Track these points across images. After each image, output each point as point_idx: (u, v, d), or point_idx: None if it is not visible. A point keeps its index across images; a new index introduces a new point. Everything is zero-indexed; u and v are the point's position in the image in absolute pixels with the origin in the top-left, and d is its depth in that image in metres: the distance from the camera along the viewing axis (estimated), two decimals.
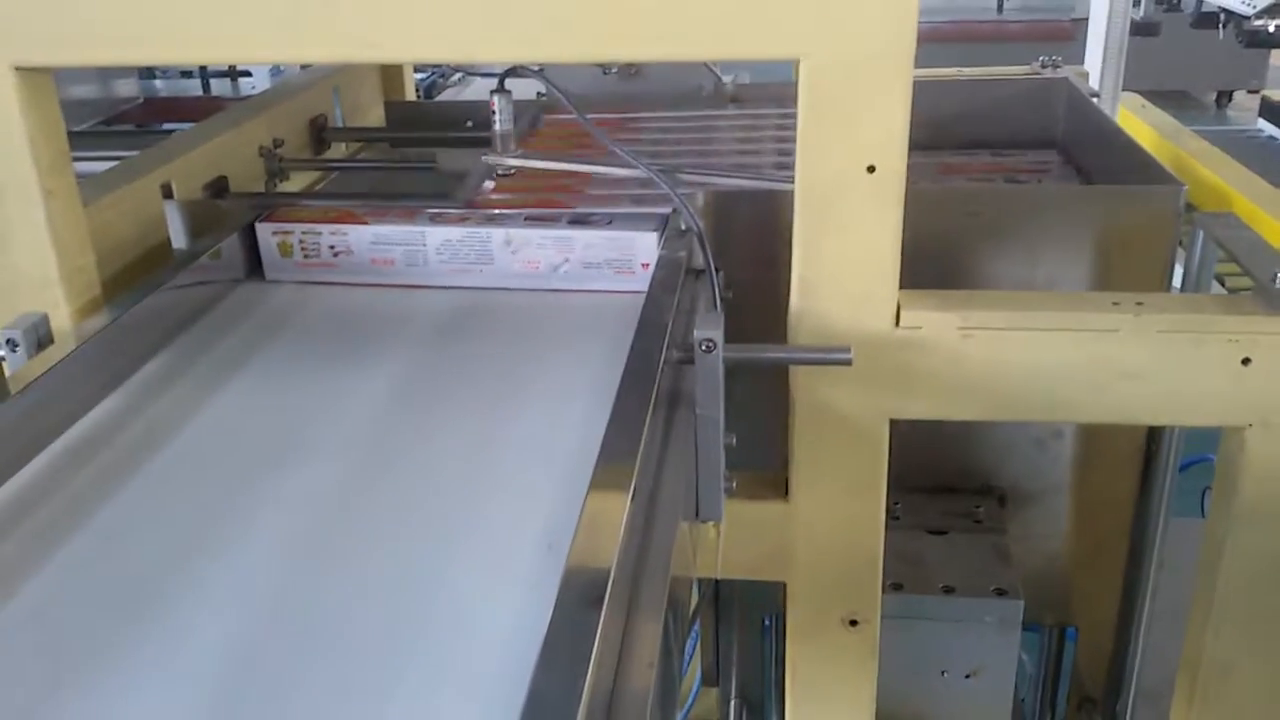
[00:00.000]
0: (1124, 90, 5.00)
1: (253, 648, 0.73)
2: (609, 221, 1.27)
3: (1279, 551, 1.12)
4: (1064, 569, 1.53)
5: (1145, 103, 4.69)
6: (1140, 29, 4.11)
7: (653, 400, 0.90)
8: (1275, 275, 1.06)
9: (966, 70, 2.00)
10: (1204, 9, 4.52)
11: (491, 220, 1.29)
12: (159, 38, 1.06)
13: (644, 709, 0.67)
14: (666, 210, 1.26)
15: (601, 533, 0.73)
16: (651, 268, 1.22)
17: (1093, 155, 1.67)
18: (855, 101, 1.00)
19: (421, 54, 1.05)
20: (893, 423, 1.15)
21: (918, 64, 0.99)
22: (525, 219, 1.29)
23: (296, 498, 0.89)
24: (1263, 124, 4.97)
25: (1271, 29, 3.94)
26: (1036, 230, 1.38)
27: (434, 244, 1.28)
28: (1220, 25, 4.41)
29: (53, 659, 0.73)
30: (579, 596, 0.66)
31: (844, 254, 1.05)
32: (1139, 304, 1.07)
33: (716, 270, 1.20)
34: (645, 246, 1.25)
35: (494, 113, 1.33)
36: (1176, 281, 1.35)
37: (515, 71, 1.33)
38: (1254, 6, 3.93)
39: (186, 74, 7.35)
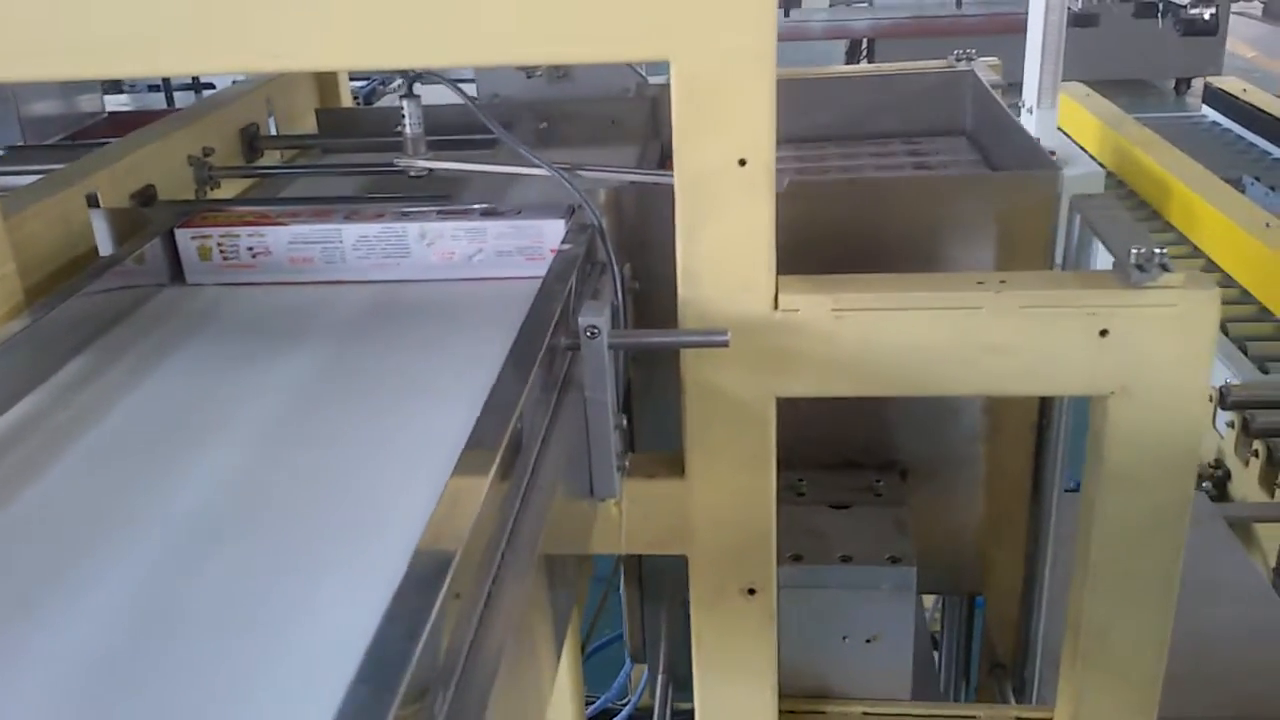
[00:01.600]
0: (1081, 81, 5.11)
1: (152, 599, 0.80)
2: (518, 212, 1.34)
3: (1144, 514, 1.19)
4: (970, 540, 1.59)
5: (1090, 91, 4.80)
6: (1079, 20, 4.20)
7: (529, 384, 0.95)
8: (1130, 251, 1.12)
9: (884, 66, 2.07)
10: (1144, 0, 4.61)
11: (405, 216, 1.34)
12: (71, 52, 1.10)
13: (491, 678, 0.73)
14: (571, 201, 1.32)
15: (458, 512, 0.77)
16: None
17: (992, 142, 1.74)
18: (724, 100, 1.06)
19: (308, 63, 1.10)
20: (796, 403, 1.21)
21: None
22: (438, 213, 1.35)
23: (202, 477, 0.95)
24: (1206, 110, 5.09)
25: (1206, 17, 4.04)
26: (932, 216, 1.45)
27: (350, 240, 1.34)
28: (1160, 15, 4.51)
29: None
30: (426, 572, 0.71)
31: (722, 243, 1.12)
32: (1002, 282, 1.14)
33: (623, 263, 1.27)
34: (553, 233, 1.31)
35: (403, 117, 1.39)
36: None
37: (423, 78, 1.39)
38: None
39: (153, 88, 7.38)
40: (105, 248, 1.39)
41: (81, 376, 1.16)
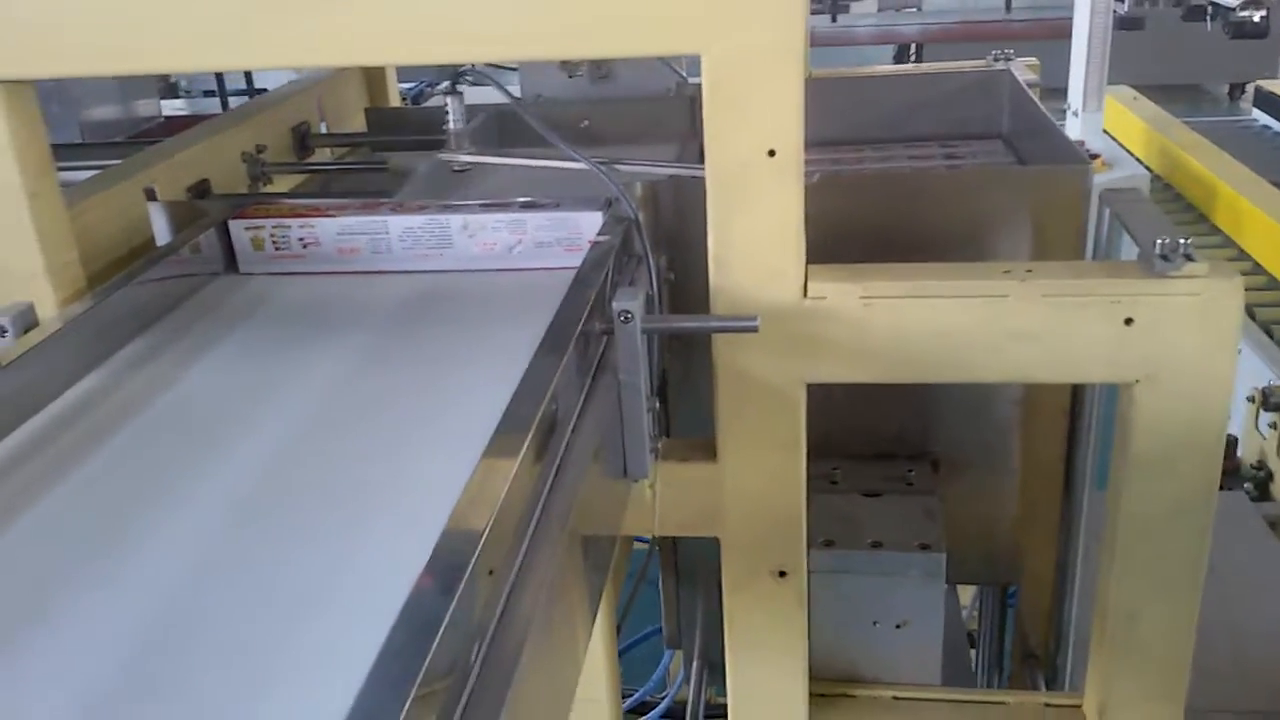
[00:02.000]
0: (1132, 85, 5.08)
1: (199, 570, 0.84)
2: (557, 205, 1.38)
3: (1171, 499, 1.20)
4: (1004, 530, 1.61)
5: (1136, 95, 4.78)
6: (1125, 23, 4.18)
7: (563, 365, 0.99)
8: (1155, 242, 1.14)
9: (920, 65, 2.09)
10: (1193, 2, 4.58)
11: (448, 208, 1.39)
12: (132, 50, 1.16)
13: (519, 651, 0.76)
14: (604, 196, 1.36)
15: (488, 488, 0.80)
16: None
17: (1028, 144, 1.75)
18: (753, 92, 1.09)
19: (354, 58, 1.15)
20: (831, 394, 1.24)
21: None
22: (480, 206, 1.39)
23: (248, 456, 1.00)
24: (1257, 114, 5.04)
25: (1256, 19, 4.01)
26: (965, 210, 1.47)
27: (396, 232, 1.38)
28: (1209, 18, 4.47)
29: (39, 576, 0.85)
30: (455, 547, 0.74)
31: (752, 232, 1.15)
32: (1028, 271, 1.16)
33: (658, 255, 1.30)
34: (591, 224, 1.35)
35: (447, 114, 1.43)
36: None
37: (464, 75, 1.44)
38: None
39: (209, 93, 7.54)
40: (162, 238, 1.45)
41: (139, 358, 1.21)
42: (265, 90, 6.10)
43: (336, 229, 1.40)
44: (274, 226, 1.41)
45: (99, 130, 5.30)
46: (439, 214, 1.38)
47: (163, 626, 0.79)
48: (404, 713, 0.60)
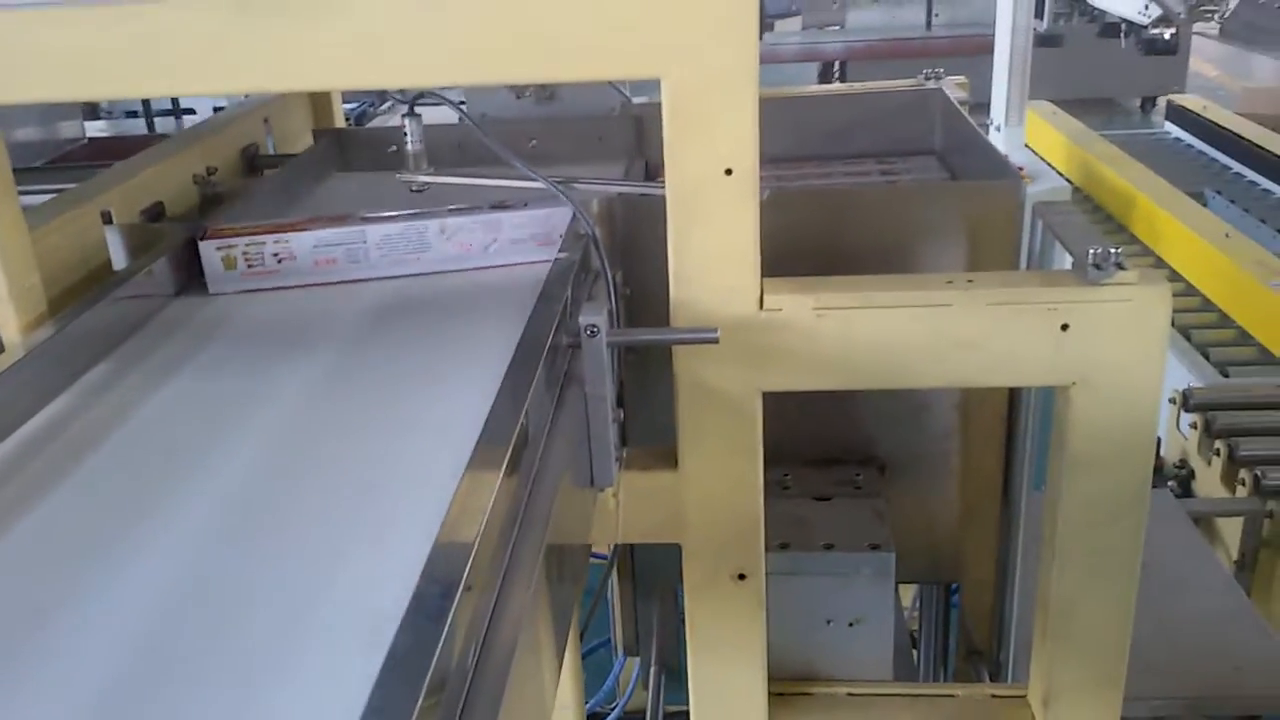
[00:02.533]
0: (1050, 100, 5.24)
1: (186, 586, 0.86)
2: (525, 204, 1.44)
3: (1105, 496, 1.27)
4: (946, 531, 1.68)
5: (1056, 109, 4.94)
6: (1045, 40, 4.32)
7: (534, 382, 1.03)
8: (1088, 251, 1.21)
9: (855, 85, 2.16)
10: (1107, 20, 4.74)
11: (423, 214, 1.43)
12: (91, 76, 1.18)
13: (509, 661, 0.79)
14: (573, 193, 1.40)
15: (472, 505, 0.83)
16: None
17: (959, 159, 1.83)
18: (711, 114, 1.14)
19: (316, 83, 1.18)
20: (782, 403, 1.29)
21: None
22: (449, 210, 1.43)
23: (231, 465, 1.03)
24: (1170, 126, 5.24)
25: (1166, 37, 4.16)
26: (905, 224, 1.54)
27: (374, 240, 1.42)
28: (1123, 35, 4.64)
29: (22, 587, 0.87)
30: (445, 566, 0.77)
31: (710, 247, 1.20)
32: (969, 281, 1.23)
33: (615, 270, 1.35)
34: (562, 219, 1.43)
35: (405, 135, 1.47)
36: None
37: (423, 97, 1.47)
38: (1148, 17, 4.15)
39: (131, 114, 7.42)
40: (119, 261, 1.47)
41: (105, 381, 1.22)
42: (192, 112, 6.04)
43: (313, 242, 1.42)
44: (247, 244, 1.41)
45: (21, 151, 5.19)
46: (415, 220, 1.42)
47: (142, 650, 0.80)
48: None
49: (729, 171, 1.16)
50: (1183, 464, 2.66)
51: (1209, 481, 2.55)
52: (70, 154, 5.72)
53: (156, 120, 6.82)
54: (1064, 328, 1.21)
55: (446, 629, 0.71)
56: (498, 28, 1.12)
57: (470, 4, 1.11)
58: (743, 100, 1.13)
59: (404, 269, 1.43)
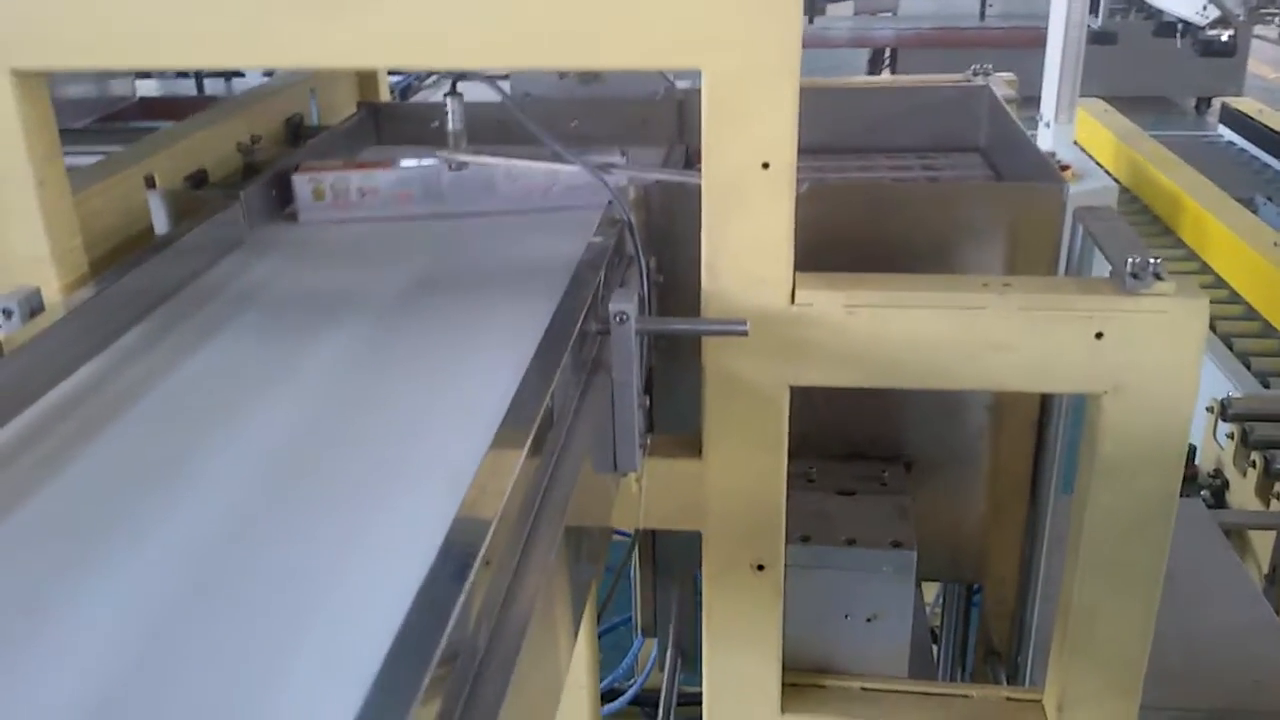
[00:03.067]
0: (1103, 98, 5.18)
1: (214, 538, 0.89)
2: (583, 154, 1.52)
3: (1133, 504, 1.26)
4: (971, 531, 1.67)
5: (1108, 107, 4.87)
6: (1098, 37, 4.27)
7: (561, 366, 1.03)
8: (1126, 260, 1.20)
9: (901, 78, 2.14)
10: (1164, 19, 4.68)
11: (492, 158, 1.52)
12: (145, 44, 1.19)
13: (519, 639, 0.80)
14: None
15: (493, 486, 0.85)
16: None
17: (1004, 158, 1.81)
18: (750, 106, 1.14)
19: (368, 61, 1.19)
20: (810, 397, 1.29)
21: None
22: (520, 155, 1.52)
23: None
24: (1223, 130, 5.16)
25: (1224, 38, 4.10)
26: (944, 222, 1.53)
27: (448, 180, 1.55)
28: (1178, 35, 4.57)
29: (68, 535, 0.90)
30: (463, 544, 0.78)
31: (744, 240, 1.20)
32: (1005, 285, 1.22)
33: (649, 257, 1.35)
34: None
35: (447, 114, 1.47)
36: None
37: (466, 76, 1.47)
38: (1207, 18, 4.09)
39: (182, 74, 7.49)
40: (160, 226, 1.48)
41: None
42: (240, 74, 6.08)
43: (394, 178, 1.55)
44: (335, 179, 1.57)
45: (73, 109, 5.26)
46: (486, 163, 1.54)
47: (167, 607, 0.82)
48: (420, 693, 0.64)
49: (766, 165, 1.16)
50: (1217, 474, 2.63)
51: (1243, 493, 2.52)
52: (120, 112, 5.79)
53: (206, 82, 6.88)
54: (1098, 336, 1.20)
55: (460, 602, 0.72)
56: (540, 14, 1.12)
57: None
58: (782, 95, 1.13)
59: (474, 206, 1.55)
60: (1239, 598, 2.06)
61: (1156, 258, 1.19)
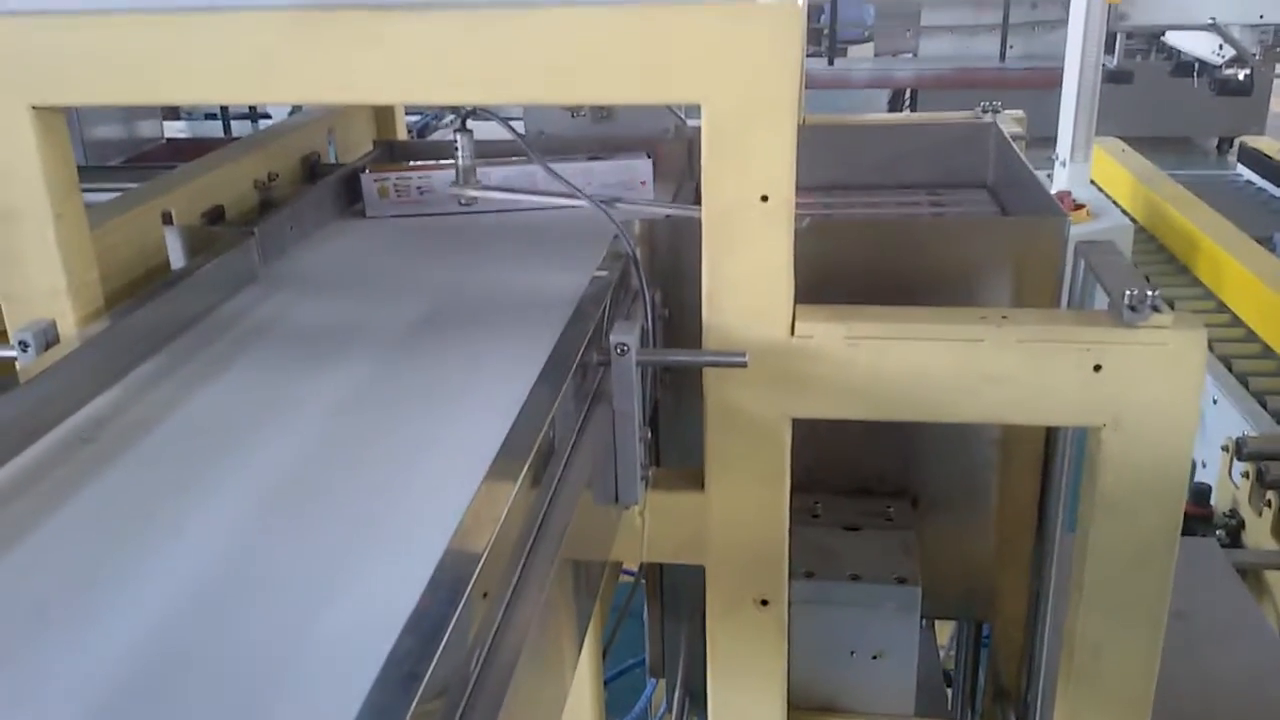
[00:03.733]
0: (1122, 138, 5.18)
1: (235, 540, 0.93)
2: (614, 155, 1.81)
3: (1136, 538, 1.26)
4: (980, 569, 1.66)
5: (1125, 147, 4.88)
6: (1114, 76, 4.28)
7: (561, 394, 1.05)
8: (1124, 293, 1.20)
9: (911, 115, 2.16)
10: (1181, 59, 4.69)
11: (534, 159, 1.56)
12: (160, 80, 1.23)
13: (511, 669, 0.80)
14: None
15: (487, 513, 0.85)
16: (649, 184, 1.80)
17: (1011, 194, 1.83)
18: (749, 141, 1.16)
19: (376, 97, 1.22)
20: (816, 431, 1.30)
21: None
22: (553, 159, 1.59)
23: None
24: (1241, 169, 5.15)
25: (1240, 77, 4.11)
26: (947, 257, 1.54)
27: (496, 179, 1.68)
28: (1195, 75, 4.58)
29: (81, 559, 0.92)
30: (453, 572, 0.78)
31: (744, 272, 1.21)
32: (1004, 318, 1.22)
33: (654, 290, 1.37)
34: (645, 169, 1.80)
35: (457, 149, 1.50)
36: None
37: (476, 114, 1.50)
38: (1222, 57, 4.10)
39: (210, 116, 7.61)
40: (177, 261, 1.51)
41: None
42: (268, 116, 6.16)
43: (449, 177, 1.63)
44: (398, 178, 1.79)
45: (101, 149, 5.33)
46: (527, 165, 1.68)
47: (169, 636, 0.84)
48: None
49: (765, 198, 1.18)
50: (1233, 513, 2.61)
51: (1259, 532, 2.50)
52: (148, 153, 5.87)
53: (234, 124, 6.98)
54: (1097, 368, 1.20)
55: (448, 635, 0.72)
56: (545, 50, 1.15)
57: (519, 28, 1.14)
58: (781, 129, 1.15)
59: (520, 201, 1.68)
60: (1254, 639, 2.03)
61: (1155, 289, 1.19)
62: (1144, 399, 1.20)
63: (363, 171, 1.81)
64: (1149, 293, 1.19)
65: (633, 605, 2.11)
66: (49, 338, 1.25)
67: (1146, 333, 1.18)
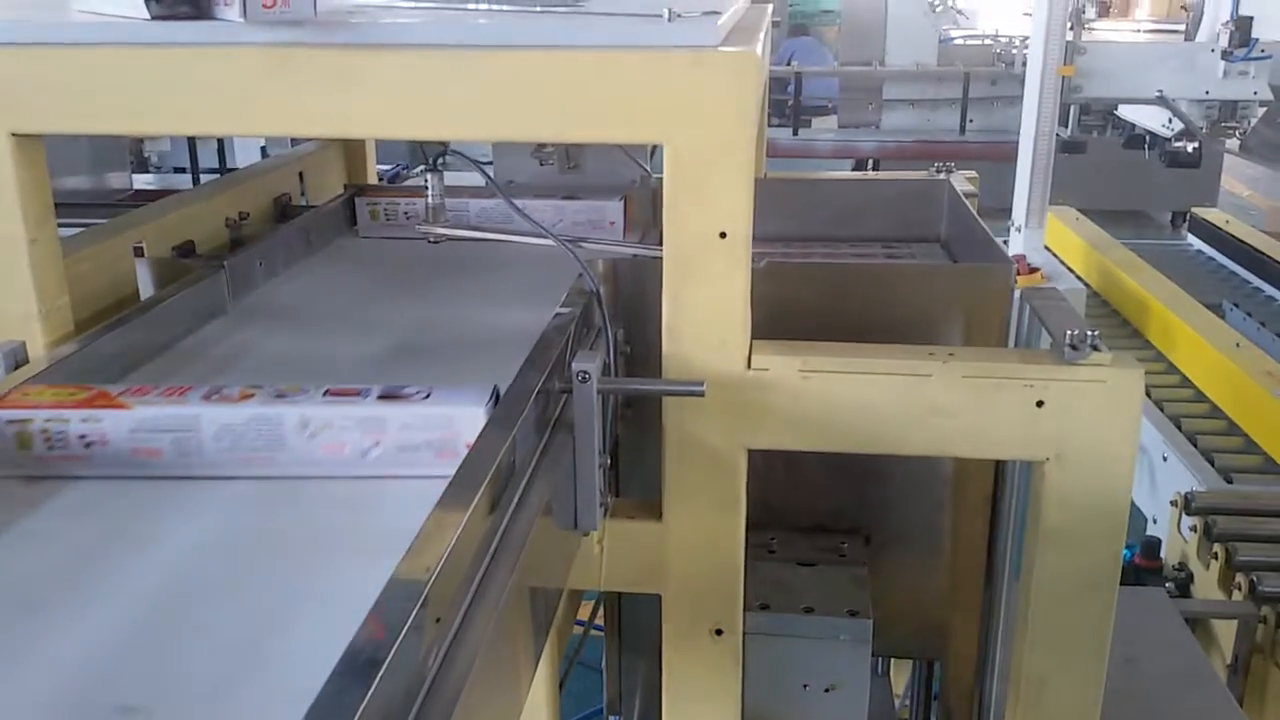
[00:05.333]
0: (1079, 209, 5.32)
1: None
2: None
3: (1078, 572, 1.30)
4: (930, 606, 1.70)
5: (1079, 215, 5.01)
6: (1068, 146, 4.41)
7: (518, 424, 1.07)
8: (1066, 332, 1.26)
9: (868, 173, 2.24)
10: (1134, 132, 4.84)
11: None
12: (138, 111, 1.27)
13: (458, 695, 0.79)
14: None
15: (434, 540, 0.85)
16: (618, 225, 1.80)
17: (963, 248, 1.89)
18: (709, 178, 1.21)
19: (350, 131, 1.26)
20: (773, 468, 1.33)
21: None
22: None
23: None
24: (1192, 239, 5.29)
25: (1189, 150, 4.25)
26: (898, 301, 1.59)
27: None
28: (1146, 146, 4.73)
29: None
30: (402, 593, 0.77)
31: (702, 305, 1.26)
32: (950, 355, 1.27)
33: (616, 327, 1.41)
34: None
35: (427, 189, 1.54)
36: None
37: (448, 157, 1.55)
38: (1172, 130, 4.24)
39: (179, 169, 7.64)
40: (146, 291, 1.54)
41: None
42: (236, 170, 6.19)
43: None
44: (387, 202, 1.88)
45: (71, 200, 5.36)
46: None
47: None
48: None
49: (723, 235, 1.23)
50: (1181, 566, 2.67)
51: (1207, 585, 2.55)
52: (116, 204, 5.88)
53: (203, 176, 7.01)
54: (1039, 404, 1.25)
55: (393, 652, 0.71)
56: (516, 90, 1.20)
57: (492, 68, 1.19)
58: (739, 168, 1.20)
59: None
60: (1202, 686, 2.07)
61: (1094, 330, 1.25)
62: (1085, 434, 1.25)
63: (356, 195, 1.94)
64: (1089, 333, 1.24)
65: (591, 657, 2.13)
66: (18, 358, 1.27)
67: (1087, 370, 1.23)
